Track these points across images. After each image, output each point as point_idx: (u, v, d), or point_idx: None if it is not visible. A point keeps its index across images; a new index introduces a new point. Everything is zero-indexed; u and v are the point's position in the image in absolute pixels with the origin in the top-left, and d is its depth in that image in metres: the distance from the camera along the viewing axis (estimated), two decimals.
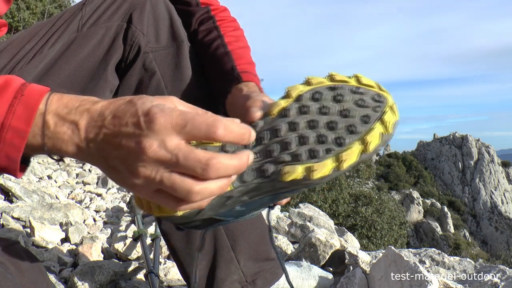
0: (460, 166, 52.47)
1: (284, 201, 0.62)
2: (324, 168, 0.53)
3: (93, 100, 0.49)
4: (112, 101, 0.48)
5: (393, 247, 1.21)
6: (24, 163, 0.50)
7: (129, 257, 1.47)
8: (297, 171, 0.53)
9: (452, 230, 40.50)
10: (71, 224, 1.81)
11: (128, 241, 1.52)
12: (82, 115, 0.47)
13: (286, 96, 0.59)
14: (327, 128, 0.55)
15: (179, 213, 0.53)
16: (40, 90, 0.48)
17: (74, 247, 1.56)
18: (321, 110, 0.57)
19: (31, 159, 0.52)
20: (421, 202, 42.22)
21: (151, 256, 1.30)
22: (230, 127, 0.46)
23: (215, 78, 0.87)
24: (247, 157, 0.49)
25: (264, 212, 0.68)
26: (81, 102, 0.48)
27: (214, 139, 0.46)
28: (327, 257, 1.41)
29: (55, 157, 0.53)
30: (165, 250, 1.50)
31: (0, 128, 0.46)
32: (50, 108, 0.47)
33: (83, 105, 0.48)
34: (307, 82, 0.59)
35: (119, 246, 1.50)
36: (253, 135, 0.50)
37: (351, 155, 0.53)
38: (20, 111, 0.46)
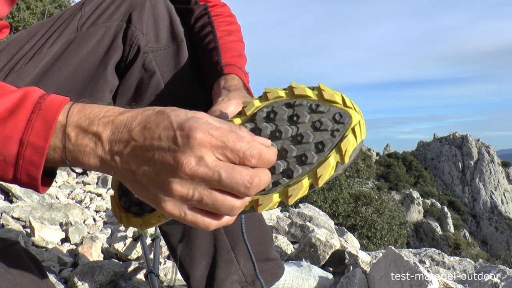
0: (460, 166, 52.47)
1: None
2: (270, 202, 0.49)
3: (118, 110, 0.46)
4: (139, 111, 0.45)
5: (393, 247, 1.21)
6: (49, 175, 0.49)
7: (129, 257, 1.47)
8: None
9: (452, 230, 40.50)
10: (71, 224, 1.81)
11: (128, 241, 1.52)
12: (106, 127, 0.45)
13: (242, 113, 0.54)
14: (279, 156, 0.50)
15: (162, 221, 0.53)
16: (58, 102, 0.46)
17: (74, 247, 1.56)
18: (274, 134, 0.51)
19: (57, 171, 0.51)
20: (421, 202, 42.23)
21: (151, 256, 1.29)
22: (264, 155, 0.45)
23: (204, 71, 0.87)
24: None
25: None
26: (105, 113, 0.46)
27: (246, 165, 0.44)
28: (327, 257, 1.40)
29: (78, 170, 0.51)
30: (165, 250, 1.50)
31: (19, 145, 0.44)
32: (71, 120, 0.45)
33: (107, 116, 0.45)
34: (264, 96, 0.53)
35: (119, 246, 1.50)
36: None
37: (299, 190, 0.49)
38: (38, 126, 0.44)
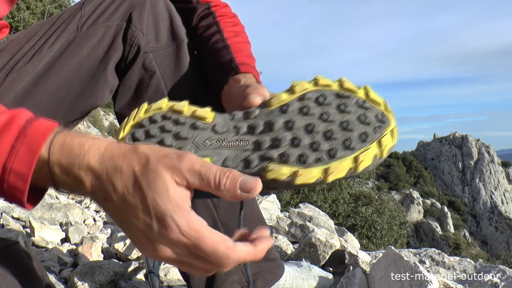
0: (460, 166, 52.47)
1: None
2: (309, 175, 0.52)
3: (97, 150, 0.45)
4: (121, 169, 0.45)
5: (393, 247, 1.21)
6: (40, 190, 0.49)
7: (129, 257, 1.47)
8: (282, 172, 0.52)
9: (452, 230, 40.51)
10: (71, 224, 1.81)
11: (128, 241, 1.52)
12: (87, 173, 0.45)
13: (290, 90, 0.58)
14: (323, 136, 0.54)
15: None
16: (44, 130, 0.45)
17: (74, 247, 1.56)
18: (322, 116, 0.55)
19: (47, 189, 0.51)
20: (421, 202, 42.23)
21: None
22: (241, 258, 0.46)
23: (212, 70, 0.86)
24: (266, 248, 0.50)
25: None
26: (85, 154, 0.45)
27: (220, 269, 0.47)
28: (327, 257, 1.40)
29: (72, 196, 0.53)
30: None
31: (2, 170, 0.44)
32: (52, 158, 0.45)
33: (86, 159, 0.45)
34: (315, 82, 0.58)
35: (119, 246, 1.50)
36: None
37: (340, 170, 0.52)
38: (22, 153, 0.44)
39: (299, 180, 0.52)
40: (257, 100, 0.59)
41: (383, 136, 0.54)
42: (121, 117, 0.88)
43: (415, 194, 43.02)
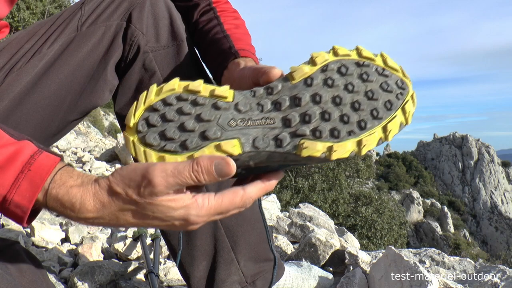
0: (460, 166, 52.46)
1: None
2: (344, 149, 0.52)
3: (93, 208, 0.48)
4: (122, 208, 0.48)
5: (393, 247, 1.21)
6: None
7: (129, 257, 1.47)
8: (317, 148, 0.51)
9: (452, 230, 40.50)
10: (71, 224, 1.81)
11: (128, 241, 1.52)
12: (87, 222, 0.49)
13: (311, 62, 0.56)
14: (351, 107, 0.53)
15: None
16: (48, 166, 0.48)
17: (74, 247, 1.56)
18: (347, 86, 0.54)
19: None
20: (421, 202, 42.22)
21: (151, 256, 1.29)
22: (255, 196, 0.52)
23: (211, 59, 0.86)
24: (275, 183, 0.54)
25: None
26: (79, 210, 0.48)
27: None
28: (327, 257, 1.40)
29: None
30: (165, 250, 1.50)
31: (2, 200, 0.46)
32: (49, 204, 0.48)
33: (83, 214, 0.48)
34: (334, 52, 0.57)
35: (119, 246, 1.50)
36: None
37: (372, 141, 0.52)
38: (24, 187, 0.46)
39: (335, 155, 0.52)
40: (277, 71, 0.58)
41: (406, 102, 0.54)
42: (121, 117, 0.88)
43: (415, 194, 43.01)
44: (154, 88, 0.55)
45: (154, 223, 0.49)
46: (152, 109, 0.54)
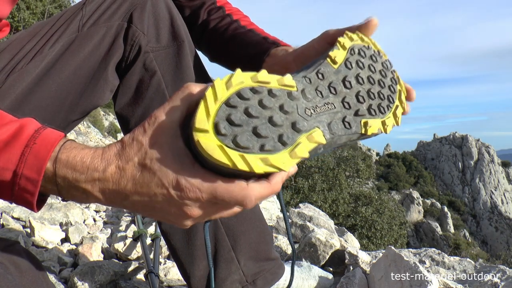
0: (460, 166, 52.46)
1: None
2: (390, 122, 0.58)
3: (99, 163, 0.47)
4: (120, 166, 0.46)
5: (393, 247, 1.21)
6: (43, 195, 0.51)
7: (129, 257, 1.47)
8: (376, 125, 0.56)
9: (452, 230, 40.50)
10: (71, 224, 1.81)
11: (128, 241, 1.52)
12: (94, 185, 0.47)
13: (342, 46, 0.61)
14: (379, 85, 0.60)
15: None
16: (52, 140, 0.47)
17: (74, 247, 1.56)
18: (370, 67, 0.61)
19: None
20: (421, 202, 42.23)
21: (151, 256, 1.29)
22: (258, 195, 0.47)
23: (243, 52, 0.91)
24: (280, 182, 0.50)
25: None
26: (88, 168, 0.47)
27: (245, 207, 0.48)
28: (327, 257, 1.40)
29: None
30: (165, 250, 1.50)
31: (13, 175, 0.46)
32: (59, 173, 0.47)
33: (90, 174, 0.47)
34: (349, 37, 0.63)
35: (119, 246, 1.50)
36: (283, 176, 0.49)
37: (400, 113, 0.60)
38: (31, 161, 0.46)
39: (388, 129, 0.57)
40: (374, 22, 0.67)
41: (397, 75, 0.65)
42: (121, 117, 0.88)
43: (415, 194, 43.01)
44: (220, 81, 0.46)
45: (153, 193, 0.46)
46: (228, 105, 0.45)
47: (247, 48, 0.89)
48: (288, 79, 0.51)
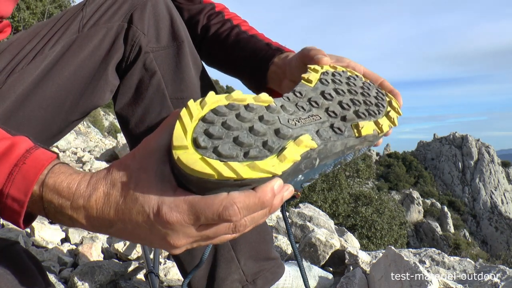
0: (460, 166, 52.46)
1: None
2: (385, 122, 0.60)
3: (86, 192, 0.46)
4: (107, 192, 0.46)
5: (393, 247, 1.21)
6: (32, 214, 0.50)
7: (129, 257, 1.47)
8: (370, 126, 0.57)
9: (452, 230, 40.50)
10: None
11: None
12: (79, 212, 0.46)
13: (313, 70, 0.65)
14: (363, 95, 0.64)
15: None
16: (43, 160, 0.46)
17: (74, 247, 1.56)
18: (348, 84, 0.65)
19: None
20: (421, 202, 42.22)
21: (151, 256, 1.29)
22: (243, 204, 0.43)
23: (247, 58, 0.92)
24: (272, 191, 0.45)
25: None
26: (74, 195, 0.46)
27: (231, 221, 0.44)
28: (327, 257, 1.40)
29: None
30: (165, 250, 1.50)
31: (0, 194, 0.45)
32: (45, 197, 0.46)
33: (76, 201, 0.46)
34: (319, 66, 0.68)
35: (119, 246, 1.50)
36: (277, 187, 0.45)
37: (395, 115, 0.63)
38: (19, 181, 0.45)
39: (384, 128, 0.59)
40: (326, 60, 0.69)
41: (384, 91, 0.71)
42: (121, 117, 0.88)
43: (415, 194, 43.00)
44: (194, 103, 0.47)
45: (134, 220, 0.45)
46: (205, 121, 0.45)
47: (250, 55, 0.90)
48: (264, 95, 0.51)
